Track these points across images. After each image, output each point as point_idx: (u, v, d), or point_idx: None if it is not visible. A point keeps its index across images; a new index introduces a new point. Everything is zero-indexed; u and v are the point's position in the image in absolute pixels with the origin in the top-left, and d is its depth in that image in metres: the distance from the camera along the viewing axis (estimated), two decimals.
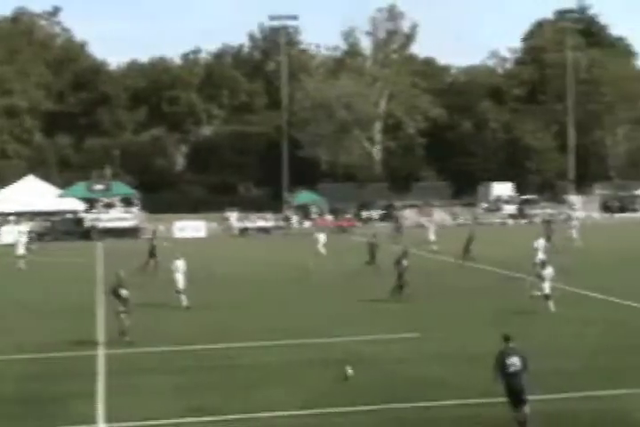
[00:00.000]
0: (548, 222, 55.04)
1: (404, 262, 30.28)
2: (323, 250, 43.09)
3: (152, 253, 39.77)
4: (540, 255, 36.49)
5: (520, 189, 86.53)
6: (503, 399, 15.04)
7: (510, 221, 76.37)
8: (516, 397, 14.51)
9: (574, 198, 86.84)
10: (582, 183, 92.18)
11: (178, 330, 25.00)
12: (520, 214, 78.66)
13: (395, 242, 48.80)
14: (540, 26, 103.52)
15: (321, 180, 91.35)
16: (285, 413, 16.41)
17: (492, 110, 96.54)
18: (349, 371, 18.55)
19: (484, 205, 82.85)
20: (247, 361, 20.90)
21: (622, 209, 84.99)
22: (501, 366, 14.51)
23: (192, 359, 21.28)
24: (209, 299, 29.73)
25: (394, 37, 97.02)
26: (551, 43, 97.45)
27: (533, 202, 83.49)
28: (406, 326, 24.65)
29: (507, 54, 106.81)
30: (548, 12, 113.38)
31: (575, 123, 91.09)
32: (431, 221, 61.66)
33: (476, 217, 76.24)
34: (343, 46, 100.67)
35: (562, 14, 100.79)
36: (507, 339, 14.80)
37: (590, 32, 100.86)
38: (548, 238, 43.64)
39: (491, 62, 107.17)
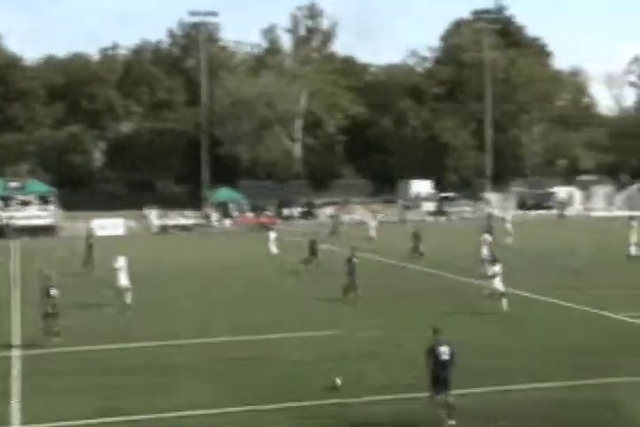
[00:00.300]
0: (488, 218, 56.31)
1: (355, 260, 30.55)
2: (274, 248, 43.45)
3: (89, 252, 39.71)
4: (485, 251, 37.07)
5: (439, 186, 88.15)
6: (420, 395, 15.42)
7: (429, 219, 77.42)
8: (441, 385, 14.91)
9: (491, 196, 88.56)
10: (499, 181, 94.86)
11: (96, 330, 24.83)
12: (439, 212, 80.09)
13: (333, 240, 50.27)
14: (458, 25, 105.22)
15: (241, 177, 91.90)
16: (193, 412, 16.47)
17: (411, 109, 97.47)
18: (338, 381, 18.62)
19: (404, 202, 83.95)
20: (163, 361, 20.92)
21: (537, 206, 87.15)
22: (432, 354, 14.89)
23: (108, 360, 21.20)
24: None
25: (314, 35, 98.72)
26: (469, 42, 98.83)
27: (452, 199, 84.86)
28: (330, 324, 24.92)
29: (426, 53, 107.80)
30: (465, 12, 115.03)
31: (492, 121, 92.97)
32: (373, 217, 61.93)
33: (401, 214, 77.05)
34: (264, 44, 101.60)
35: (479, 14, 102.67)
36: (435, 331, 15.22)
37: (507, 32, 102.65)
38: (490, 234, 44.64)
39: (410, 61, 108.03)
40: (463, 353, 16.28)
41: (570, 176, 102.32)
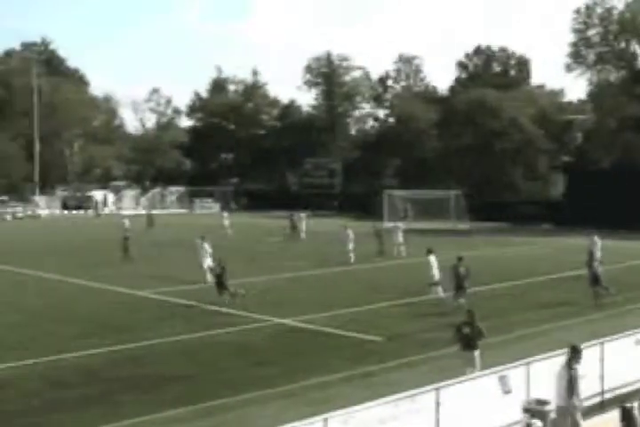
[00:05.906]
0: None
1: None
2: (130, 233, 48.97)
3: None
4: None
5: None
6: None
7: None
8: None
9: (39, 198, 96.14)
10: (46, 186, 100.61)
11: None
12: None
13: None
14: (8, 55, 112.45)
15: None
16: None
17: None
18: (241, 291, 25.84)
19: None
20: None
21: (78, 206, 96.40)
22: None
23: None
24: None
25: None
26: (19, 70, 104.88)
27: (4, 202, 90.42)
28: None
29: None
30: (16, 44, 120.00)
31: (40, 136, 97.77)
32: None
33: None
34: None
35: (27, 46, 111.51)
36: None
37: (52, 62, 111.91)
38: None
39: None
40: None
41: (105, 182, 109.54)
